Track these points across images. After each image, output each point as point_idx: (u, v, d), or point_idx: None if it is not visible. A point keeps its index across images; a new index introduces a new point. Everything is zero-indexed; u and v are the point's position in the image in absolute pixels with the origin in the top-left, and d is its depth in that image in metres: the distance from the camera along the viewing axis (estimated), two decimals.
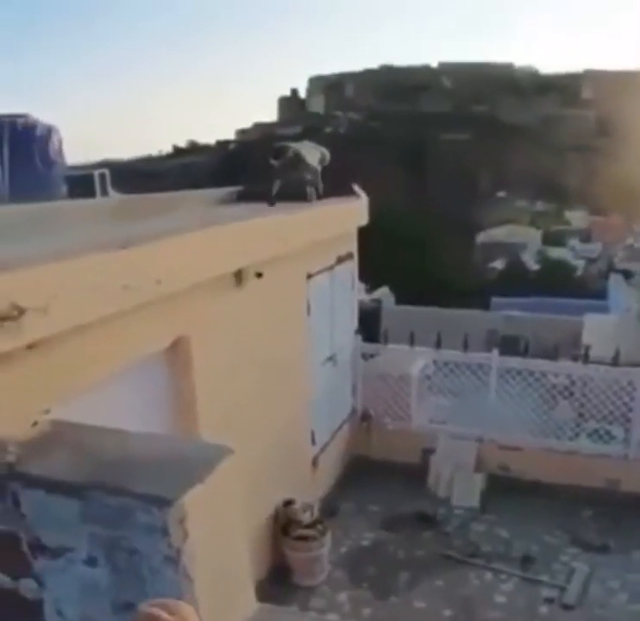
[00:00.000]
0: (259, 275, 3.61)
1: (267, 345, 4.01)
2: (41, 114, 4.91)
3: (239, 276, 3.51)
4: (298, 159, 4.53)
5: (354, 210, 5.73)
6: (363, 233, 6.03)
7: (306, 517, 4.51)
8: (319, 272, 5.02)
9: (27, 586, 1.80)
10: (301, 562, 4.41)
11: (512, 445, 5.60)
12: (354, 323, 6.18)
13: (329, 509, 5.08)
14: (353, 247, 5.93)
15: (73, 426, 2.04)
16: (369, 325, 7.44)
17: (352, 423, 6.00)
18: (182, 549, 1.56)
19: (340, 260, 5.50)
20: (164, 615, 0.81)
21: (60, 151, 4.85)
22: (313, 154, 4.84)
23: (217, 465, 1.71)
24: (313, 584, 4.39)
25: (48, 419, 2.04)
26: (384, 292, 19.92)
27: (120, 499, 1.58)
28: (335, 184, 5.31)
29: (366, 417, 5.99)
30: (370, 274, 11.02)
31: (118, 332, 2.48)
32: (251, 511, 3.79)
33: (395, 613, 4.19)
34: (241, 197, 6.07)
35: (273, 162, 4.33)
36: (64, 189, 4.98)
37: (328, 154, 5.01)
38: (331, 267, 5.33)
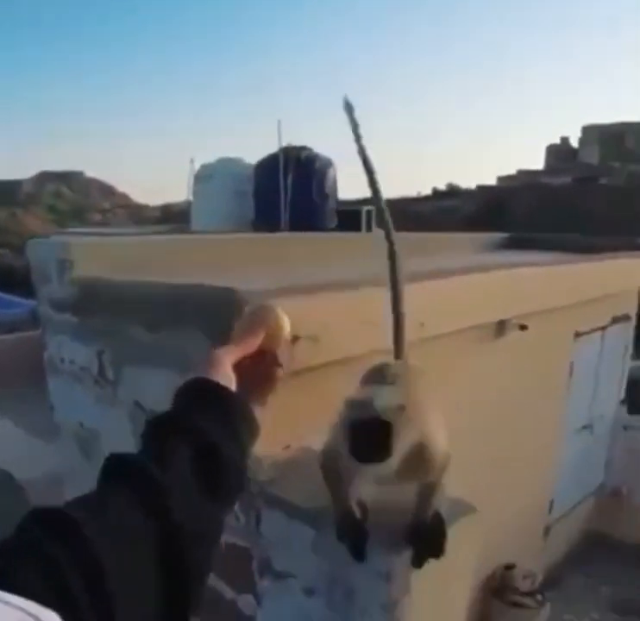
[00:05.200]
0: (522, 327, 3.34)
1: (518, 403, 3.70)
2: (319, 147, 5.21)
3: (501, 326, 3.29)
4: None
5: (636, 268, 5.09)
6: None
7: (525, 585, 4.08)
8: (589, 331, 4.51)
9: (246, 601, 1.83)
10: None
11: None
12: (621, 392, 5.48)
13: (552, 579, 4.60)
14: (631, 308, 5.25)
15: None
16: (635, 395, 6.56)
17: (598, 498, 5.38)
18: (400, 602, 1.42)
19: (615, 320, 4.90)
20: None
21: (335, 185, 5.07)
22: None
23: (456, 522, 1.50)
24: None
25: (300, 445, 2.07)
26: None
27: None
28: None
29: (616, 493, 5.35)
30: None
31: None
32: None
33: None
34: (509, 244, 5.84)
35: None
36: (334, 221, 5.14)
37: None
38: (603, 328, 4.77)
